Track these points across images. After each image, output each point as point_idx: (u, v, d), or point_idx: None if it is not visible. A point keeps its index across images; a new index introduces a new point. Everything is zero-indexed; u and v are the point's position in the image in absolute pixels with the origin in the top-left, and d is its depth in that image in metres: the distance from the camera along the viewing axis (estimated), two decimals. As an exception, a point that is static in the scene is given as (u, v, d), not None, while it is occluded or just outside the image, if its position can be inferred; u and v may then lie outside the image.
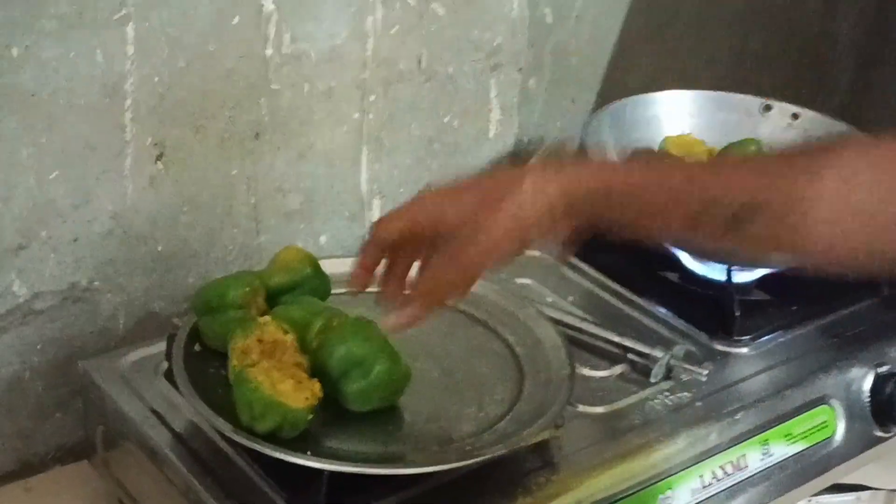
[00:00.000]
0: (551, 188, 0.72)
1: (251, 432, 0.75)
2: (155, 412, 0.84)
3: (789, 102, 1.17)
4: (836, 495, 0.99)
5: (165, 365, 0.87)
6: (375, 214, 1.08)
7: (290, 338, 0.80)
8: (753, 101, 1.17)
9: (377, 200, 1.08)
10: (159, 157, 0.92)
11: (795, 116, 1.16)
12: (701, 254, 0.97)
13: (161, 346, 0.88)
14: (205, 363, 0.82)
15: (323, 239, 1.06)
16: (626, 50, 1.27)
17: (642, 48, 1.29)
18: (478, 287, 0.94)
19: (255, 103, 0.96)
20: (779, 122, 1.17)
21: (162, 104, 0.90)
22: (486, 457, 0.76)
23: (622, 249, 1.09)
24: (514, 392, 0.85)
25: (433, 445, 0.78)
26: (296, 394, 0.76)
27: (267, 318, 0.81)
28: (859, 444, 0.97)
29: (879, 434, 0.98)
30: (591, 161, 0.74)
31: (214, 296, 0.83)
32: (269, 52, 0.95)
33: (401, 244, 0.78)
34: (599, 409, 0.88)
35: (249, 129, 0.97)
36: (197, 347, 0.83)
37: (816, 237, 0.68)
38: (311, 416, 0.77)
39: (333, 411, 0.79)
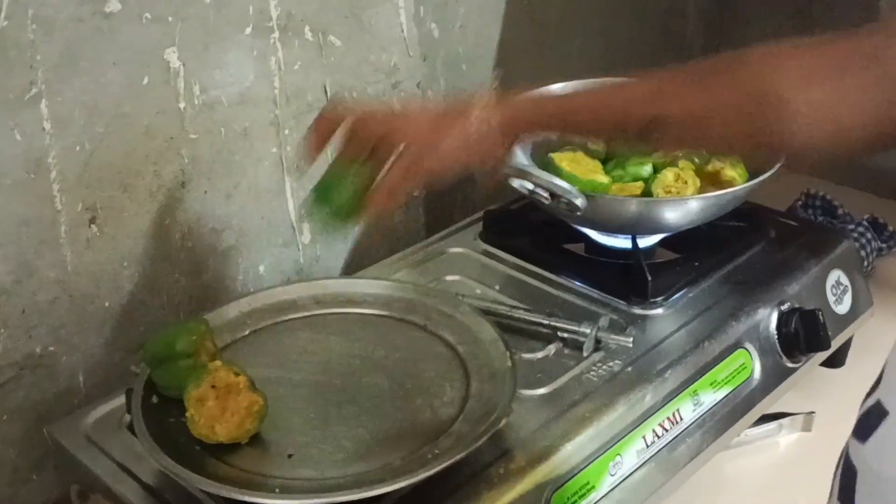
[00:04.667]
0: (494, 121, 0.72)
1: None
2: (122, 467, 0.73)
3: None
4: (760, 426, 0.92)
5: (129, 417, 0.76)
6: (307, 238, 0.98)
7: (241, 379, 0.70)
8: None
9: (307, 225, 0.98)
10: (92, 221, 0.80)
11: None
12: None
13: (123, 398, 0.77)
14: (164, 413, 0.72)
15: (262, 268, 0.95)
16: (508, 50, 1.17)
17: (523, 46, 1.19)
18: (413, 294, 0.86)
19: (176, 154, 0.84)
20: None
21: (87, 170, 0.79)
22: (446, 463, 0.66)
23: (528, 231, 1.01)
24: (462, 391, 0.75)
25: (395, 460, 0.68)
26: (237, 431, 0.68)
27: (217, 362, 0.71)
28: (774, 377, 0.90)
29: (789, 365, 0.91)
30: (525, 96, 0.75)
31: (163, 348, 0.73)
32: (181, 104, 0.83)
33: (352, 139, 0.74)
34: (542, 391, 0.79)
35: (175, 180, 0.85)
36: (155, 399, 0.73)
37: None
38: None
39: (301, 442, 0.70)
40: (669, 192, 0.89)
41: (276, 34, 0.88)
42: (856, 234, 1.16)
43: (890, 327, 1.05)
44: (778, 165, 0.91)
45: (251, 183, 0.91)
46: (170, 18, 0.80)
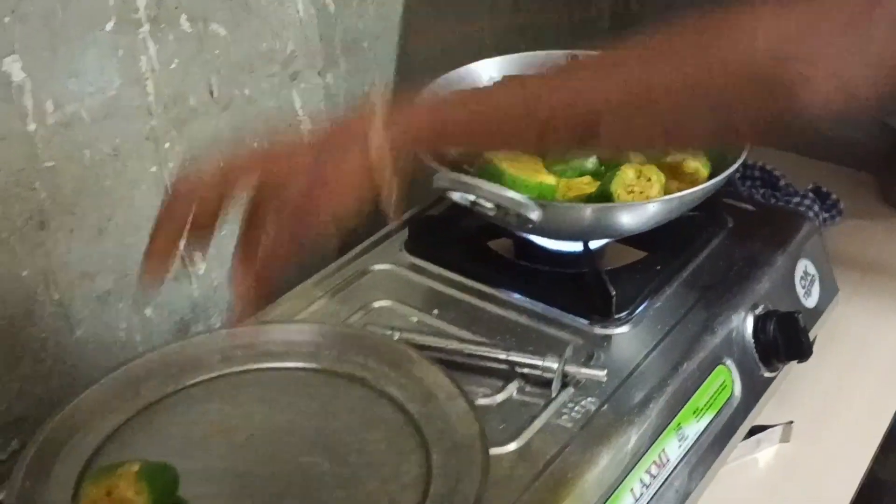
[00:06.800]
0: (390, 135, 0.57)
1: None
2: None
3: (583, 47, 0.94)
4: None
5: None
6: (201, 269, 0.81)
7: (141, 500, 0.54)
8: (560, 55, 0.94)
9: (198, 252, 0.81)
10: (-76, 287, 0.62)
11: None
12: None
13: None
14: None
15: (149, 311, 0.78)
16: (413, 21, 1.02)
17: (427, 16, 1.04)
18: (344, 338, 0.71)
19: (29, 189, 0.67)
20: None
21: None
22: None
23: (461, 238, 0.88)
24: (422, 468, 0.61)
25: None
26: None
27: (134, 466, 0.55)
28: (755, 392, 0.80)
29: (767, 375, 0.81)
30: (421, 102, 0.62)
31: None
32: (31, 126, 0.65)
33: (205, 209, 0.56)
34: (511, 448, 0.66)
35: (31, 220, 0.67)
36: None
37: None
38: None
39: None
40: (632, 192, 0.76)
41: (146, 27, 0.70)
42: (803, 208, 1.07)
43: (852, 311, 0.97)
44: (745, 153, 0.80)
45: (127, 212, 0.74)
46: (6, 20, 0.61)
